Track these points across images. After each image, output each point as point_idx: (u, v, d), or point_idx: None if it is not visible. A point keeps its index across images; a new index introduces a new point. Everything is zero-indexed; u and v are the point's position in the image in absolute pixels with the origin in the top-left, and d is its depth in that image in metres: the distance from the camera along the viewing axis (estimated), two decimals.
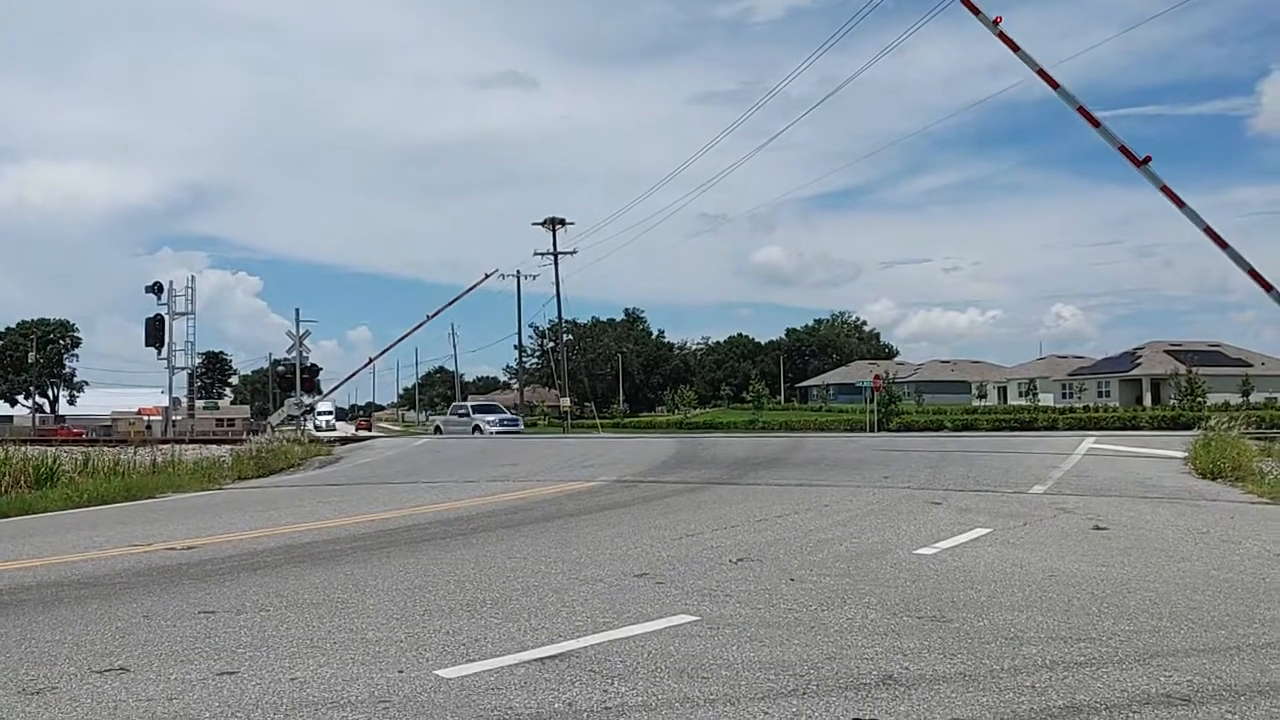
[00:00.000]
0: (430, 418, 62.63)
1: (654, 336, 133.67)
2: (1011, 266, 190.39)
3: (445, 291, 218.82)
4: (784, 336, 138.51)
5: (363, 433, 67.73)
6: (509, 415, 55.34)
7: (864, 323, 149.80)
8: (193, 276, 48.26)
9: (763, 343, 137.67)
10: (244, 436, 37.48)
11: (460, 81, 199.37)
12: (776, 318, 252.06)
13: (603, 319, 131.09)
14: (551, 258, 65.96)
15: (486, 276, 65.45)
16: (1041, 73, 22.95)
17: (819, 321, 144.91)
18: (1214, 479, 14.77)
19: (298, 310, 44.38)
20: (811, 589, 7.00)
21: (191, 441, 32.85)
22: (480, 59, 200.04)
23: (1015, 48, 22.90)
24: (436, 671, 4.97)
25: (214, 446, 28.36)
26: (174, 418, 47.96)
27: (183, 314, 45.98)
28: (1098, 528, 10.05)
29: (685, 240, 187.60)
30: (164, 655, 5.41)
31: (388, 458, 26.02)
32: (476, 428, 49.16)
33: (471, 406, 56.71)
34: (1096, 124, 22.49)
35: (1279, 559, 8.25)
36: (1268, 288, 20.99)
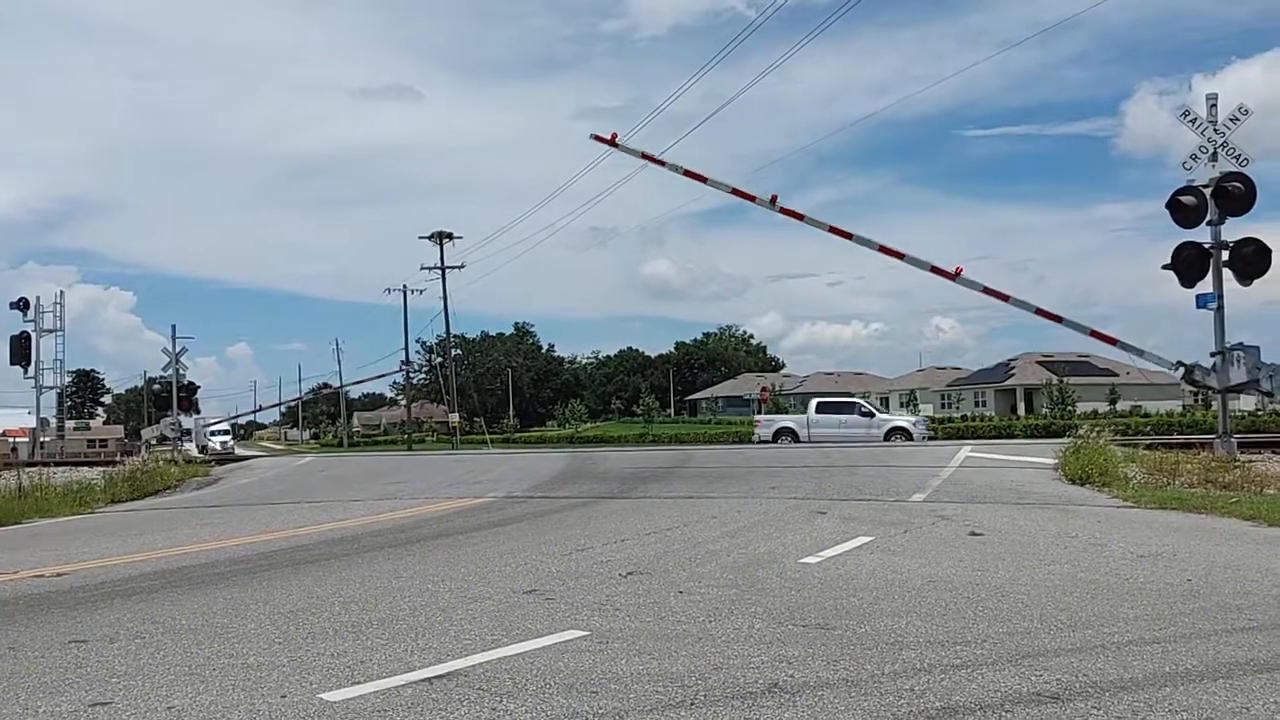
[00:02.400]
0: (759, 415, 47.24)
1: (544, 350, 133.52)
2: (892, 281, 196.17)
3: (330, 306, 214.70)
4: (673, 350, 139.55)
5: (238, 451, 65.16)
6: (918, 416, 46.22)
7: (752, 336, 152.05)
8: (61, 292, 46.27)
9: (652, 356, 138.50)
10: (118, 458, 36.12)
11: (343, 93, 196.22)
12: (666, 331, 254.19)
13: (492, 333, 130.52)
14: (439, 272, 65.31)
15: (401, 366, 65.30)
16: (834, 229, 24.90)
17: (708, 335, 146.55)
18: (1083, 484, 15.39)
19: (174, 326, 42.97)
20: (700, 600, 7.08)
21: (61, 464, 31.51)
22: (363, 70, 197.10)
23: (800, 216, 24.80)
24: (321, 695, 4.88)
25: (85, 469, 27.24)
26: (42, 439, 45.96)
27: (51, 331, 44.21)
28: (974, 534, 10.38)
29: (574, 254, 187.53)
30: (31, 688, 5.19)
31: (269, 477, 25.37)
32: (898, 431, 36.79)
33: (867, 402, 43.05)
34: (901, 255, 23.91)
35: (1142, 560, 8.65)
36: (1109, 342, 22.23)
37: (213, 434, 68.85)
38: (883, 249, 24.07)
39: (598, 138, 27.31)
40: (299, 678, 5.22)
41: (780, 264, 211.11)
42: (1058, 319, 22.59)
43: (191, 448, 49.64)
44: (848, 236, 24.64)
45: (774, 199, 24.49)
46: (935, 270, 23.09)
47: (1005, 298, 22.68)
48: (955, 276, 22.80)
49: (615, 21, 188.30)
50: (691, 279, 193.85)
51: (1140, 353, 21.48)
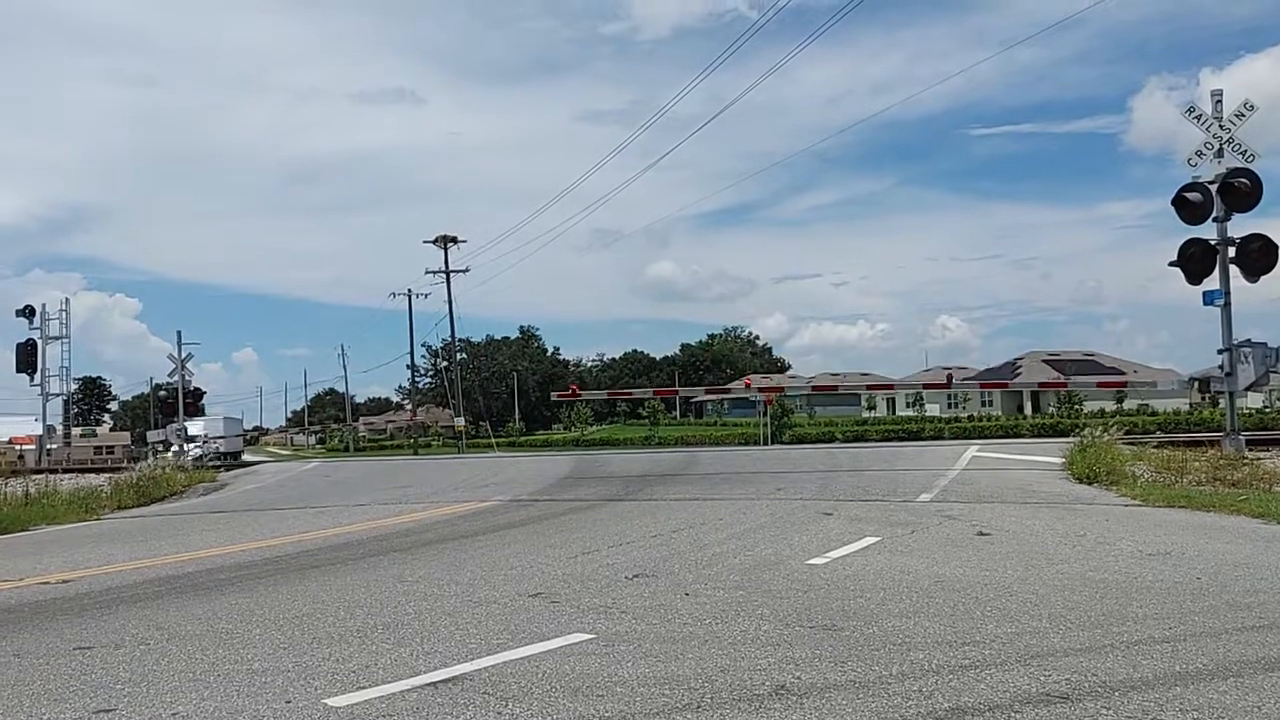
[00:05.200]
0: None
1: (549, 353, 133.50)
2: (897, 280, 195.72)
3: (336, 311, 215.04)
4: (678, 352, 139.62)
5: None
6: None
7: (757, 337, 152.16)
8: (67, 299, 46.14)
9: (658, 358, 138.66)
10: (124, 464, 36.12)
11: (345, 97, 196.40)
12: (671, 333, 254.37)
13: (497, 337, 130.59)
14: (444, 276, 65.31)
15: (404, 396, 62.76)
16: (817, 386, 25.56)
17: (713, 336, 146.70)
18: (1090, 483, 15.33)
19: (179, 333, 42.24)
20: (706, 603, 7.05)
21: (68, 471, 31.55)
22: (365, 74, 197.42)
23: (779, 389, 25.56)
24: (325, 700, 4.86)
25: (92, 475, 27.29)
26: (49, 446, 46.00)
27: (56, 338, 44.23)
28: (981, 533, 10.34)
29: (578, 257, 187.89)
30: (36, 695, 5.18)
31: (275, 482, 25.38)
32: None
33: None
34: (890, 386, 24.28)
35: (1150, 558, 8.60)
36: None
37: (189, 438, 60.45)
38: (870, 387, 24.87)
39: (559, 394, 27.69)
40: (304, 683, 5.19)
41: (785, 264, 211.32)
42: (1063, 385, 22.89)
43: (176, 455, 48.12)
44: (833, 390, 25.38)
45: (747, 383, 25.37)
46: (928, 385, 23.72)
47: (1004, 385, 22.98)
48: (949, 385, 23.24)
49: (617, 24, 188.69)
50: (696, 280, 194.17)
51: (1153, 385, 21.68)
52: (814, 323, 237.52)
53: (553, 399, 28.07)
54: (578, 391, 26.84)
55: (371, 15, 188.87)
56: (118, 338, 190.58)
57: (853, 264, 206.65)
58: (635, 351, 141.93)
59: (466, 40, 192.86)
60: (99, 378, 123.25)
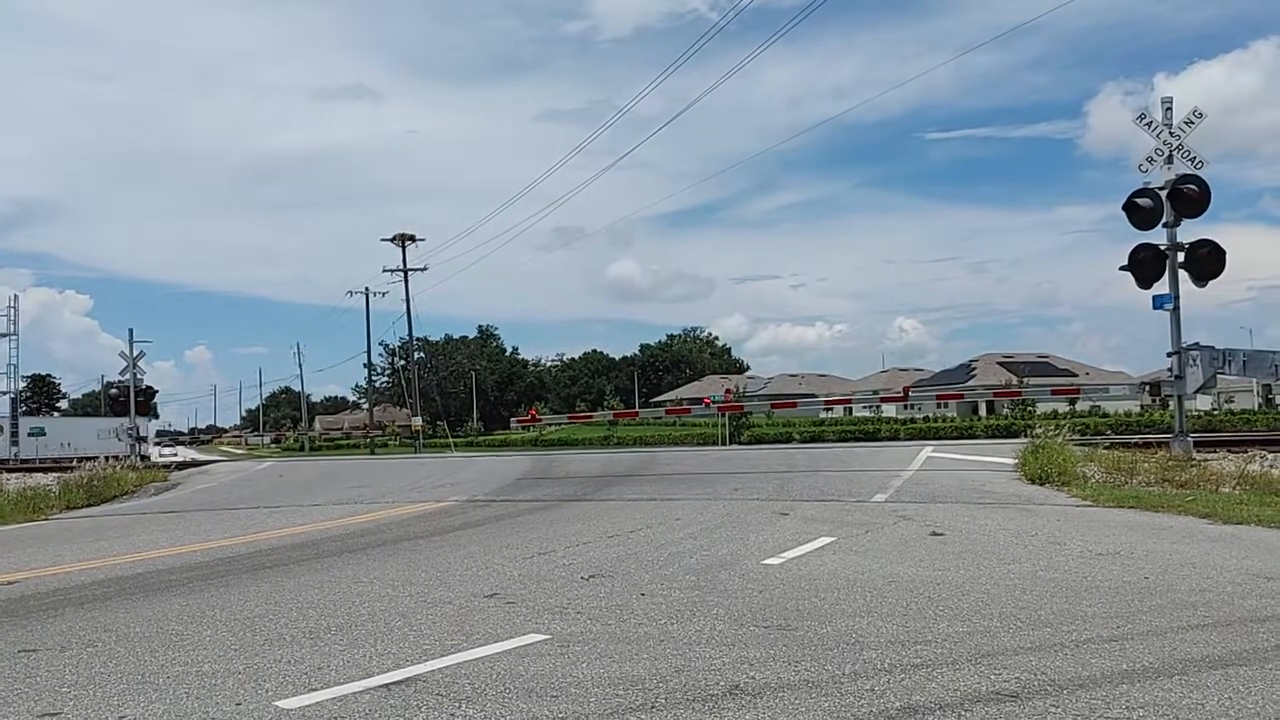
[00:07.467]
0: None
1: (508, 353, 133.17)
2: (856, 282, 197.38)
3: (291, 309, 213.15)
4: (638, 352, 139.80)
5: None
6: None
7: (716, 338, 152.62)
8: (15, 295, 45.63)
9: (617, 358, 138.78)
10: (74, 463, 35.51)
11: (302, 94, 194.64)
12: (631, 333, 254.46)
13: (455, 336, 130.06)
14: (401, 274, 64.82)
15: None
16: (775, 404, 25.91)
17: (672, 337, 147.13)
18: (1042, 484, 15.51)
19: (131, 330, 41.65)
20: (661, 603, 7.05)
21: (14, 470, 31.01)
22: (323, 72, 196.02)
23: (735, 404, 25.93)
24: (276, 702, 4.81)
25: (40, 474, 26.82)
26: None
27: (4, 335, 43.57)
28: (935, 533, 10.43)
29: (538, 256, 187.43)
30: None
31: (228, 482, 25.07)
32: None
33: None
34: (849, 401, 24.66)
35: (1100, 558, 8.73)
36: None
37: None
38: (827, 402, 25.12)
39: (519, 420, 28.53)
40: (254, 685, 5.14)
41: (745, 265, 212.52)
42: (1017, 394, 23.30)
43: None
44: (791, 405, 25.70)
45: (706, 401, 26.02)
46: (885, 399, 24.09)
47: (959, 397, 23.35)
48: (905, 398, 23.74)
49: (577, 23, 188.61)
50: (657, 281, 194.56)
51: (1107, 389, 22.17)
52: (773, 324, 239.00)
53: (513, 424, 28.58)
54: (537, 416, 27.27)
55: (331, 12, 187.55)
56: (68, 335, 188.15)
57: (812, 265, 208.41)
58: (595, 351, 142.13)
59: (426, 38, 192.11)
60: (48, 375, 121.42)
